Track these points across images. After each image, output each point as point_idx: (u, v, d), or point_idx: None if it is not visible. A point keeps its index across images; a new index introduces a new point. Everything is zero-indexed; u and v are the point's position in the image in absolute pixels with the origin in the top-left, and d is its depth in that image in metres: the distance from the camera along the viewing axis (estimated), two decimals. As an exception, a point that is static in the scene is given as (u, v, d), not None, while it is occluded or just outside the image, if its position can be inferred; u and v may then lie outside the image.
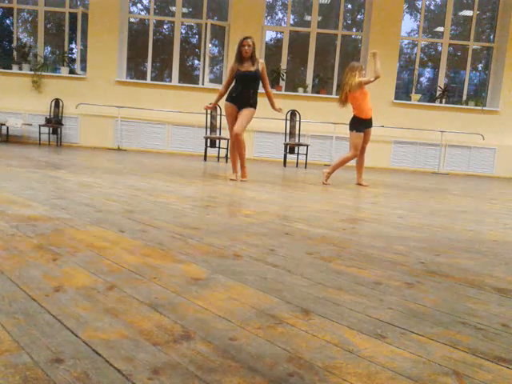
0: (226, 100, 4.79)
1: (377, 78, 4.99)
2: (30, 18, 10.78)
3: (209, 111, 8.49)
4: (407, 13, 10.84)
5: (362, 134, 5.18)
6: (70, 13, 10.03)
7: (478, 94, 10.59)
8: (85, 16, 9.70)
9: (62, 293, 1.20)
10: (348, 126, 5.31)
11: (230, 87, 4.83)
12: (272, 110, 4.97)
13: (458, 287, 1.50)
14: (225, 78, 4.79)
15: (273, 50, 10.84)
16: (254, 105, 4.77)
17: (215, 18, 10.64)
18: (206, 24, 9.62)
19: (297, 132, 8.83)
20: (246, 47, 4.62)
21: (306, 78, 10.17)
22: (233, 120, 4.79)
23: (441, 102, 10.01)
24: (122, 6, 9.69)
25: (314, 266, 1.64)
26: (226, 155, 8.60)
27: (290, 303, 1.24)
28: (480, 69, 10.97)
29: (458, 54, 10.89)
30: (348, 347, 0.99)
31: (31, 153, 6.75)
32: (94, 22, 9.58)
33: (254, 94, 4.74)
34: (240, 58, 4.69)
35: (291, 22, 10.41)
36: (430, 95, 10.87)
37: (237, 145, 4.80)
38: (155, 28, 10.79)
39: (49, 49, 10.96)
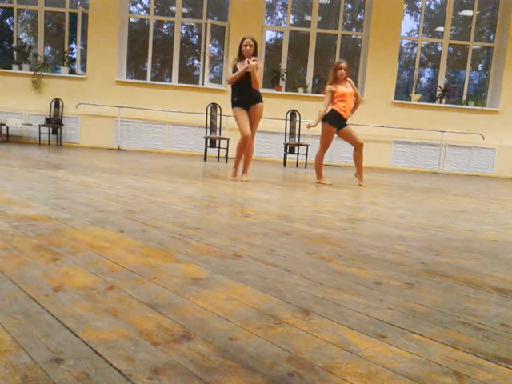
0: (233, 107, 4.77)
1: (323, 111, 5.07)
2: (30, 18, 10.78)
3: (209, 111, 8.49)
4: (407, 13, 10.85)
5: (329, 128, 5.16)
6: (69, 13, 10.03)
7: (478, 94, 10.60)
8: (85, 16, 9.70)
9: (62, 293, 1.20)
10: (347, 124, 5.28)
11: (231, 93, 4.83)
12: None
13: (458, 287, 1.50)
14: (225, 74, 4.73)
15: (273, 50, 10.84)
16: (259, 99, 4.74)
17: (215, 18, 10.65)
18: (206, 24, 9.62)
19: (297, 132, 8.84)
20: (248, 47, 4.61)
21: (306, 78, 10.18)
22: (245, 120, 4.72)
23: (441, 102, 10.02)
24: (121, 6, 9.70)
25: (314, 265, 1.64)
26: (226, 155, 8.60)
27: (289, 303, 1.24)
28: (480, 69, 10.97)
29: (458, 54, 10.90)
30: (348, 347, 0.99)
31: (31, 153, 6.75)
32: (94, 22, 9.58)
33: (253, 88, 4.73)
34: (241, 57, 4.68)
35: (291, 22, 10.42)
36: (430, 95, 10.87)
37: (249, 148, 4.88)
38: (155, 28, 10.79)
39: (49, 49, 10.96)
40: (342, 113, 5.08)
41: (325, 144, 5.24)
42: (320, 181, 5.25)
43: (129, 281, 1.33)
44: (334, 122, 5.10)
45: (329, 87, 5.07)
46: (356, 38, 10.61)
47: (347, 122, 5.24)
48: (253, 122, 4.79)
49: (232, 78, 4.64)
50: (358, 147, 5.23)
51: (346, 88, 5.07)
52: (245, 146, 4.79)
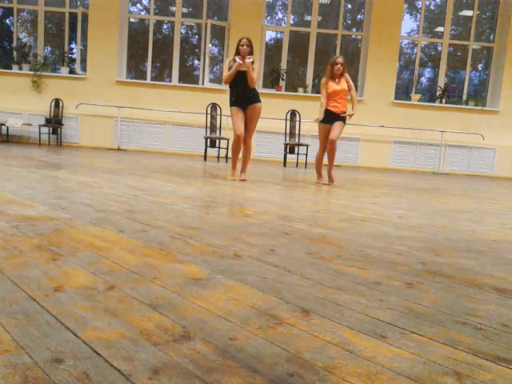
0: (231, 106, 4.80)
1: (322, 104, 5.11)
2: (30, 18, 10.78)
3: (209, 111, 8.49)
4: (407, 13, 10.84)
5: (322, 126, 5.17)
6: (69, 13, 10.03)
7: (478, 94, 10.59)
8: (85, 16, 9.70)
9: (61, 293, 1.20)
10: (344, 124, 5.26)
11: (228, 93, 4.87)
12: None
13: (458, 287, 1.50)
14: (224, 73, 4.76)
15: (273, 49, 10.84)
16: (256, 99, 4.75)
17: (215, 18, 10.64)
18: (206, 24, 9.62)
19: (297, 132, 8.84)
20: (245, 47, 4.67)
21: (306, 78, 10.17)
22: (239, 119, 4.74)
23: (441, 102, 10.01)
24: (121, 6, 9.69)
25: (314, 265, 1.64)
26: (226, 155, 8.60)
27: (289, 303, 1.24)
28: (480, 69, 10.97)
29: (458, 53, 10.89)
30: (348, 347, 0.99)
31: (31, 153, 6.75)
32: (94, 22, 9.58)
33: (251, 88, 4.74)
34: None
35: (291, 22, 10.41)
36: (429, 95, 10.87)
37: (246, 148, 4.92)
38: (155, 28, 10.79)
39: (49, 49, 10.96)
40: (332, 109, 5.09)
41: (323, 143, 5.26)
42: (320, 181, 5.25)
43: (129, 281, 1.33)
44: (325, 119, 5.11)
45: (323, 80, 5.11)
46: (356, 38, 10.61)
47: (344, 120, 5.22)
48: (250, 122, 4.80)
49: (227, 76, 4.68)
50: (329, 142, 5.16)
51: (337, 85, 5.06)
52: (238, 145, 4.82)
